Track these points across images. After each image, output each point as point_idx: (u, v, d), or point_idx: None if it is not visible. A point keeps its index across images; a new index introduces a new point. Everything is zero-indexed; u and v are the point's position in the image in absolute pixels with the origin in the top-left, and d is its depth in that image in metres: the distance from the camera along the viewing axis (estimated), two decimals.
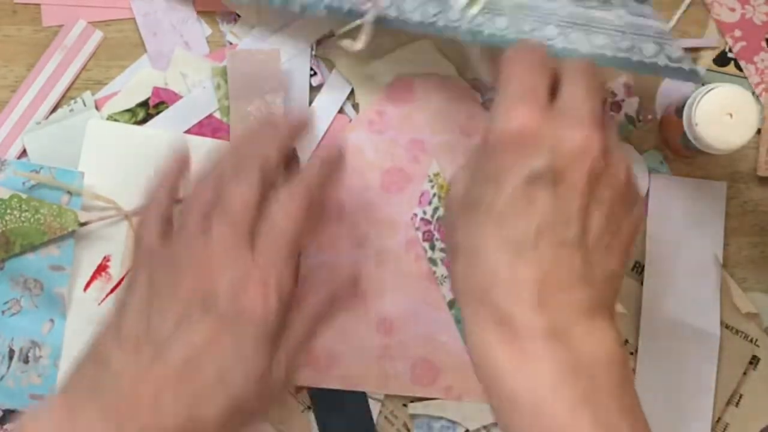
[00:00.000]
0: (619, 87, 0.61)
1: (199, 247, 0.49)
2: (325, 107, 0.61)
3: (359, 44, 0.57)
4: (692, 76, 0.55)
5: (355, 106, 0.62)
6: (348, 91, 0.62)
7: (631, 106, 0.61)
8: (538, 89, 0.47)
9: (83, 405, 0.46)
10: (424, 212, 0.61)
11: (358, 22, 0.57)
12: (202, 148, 0.61)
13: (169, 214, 0.52)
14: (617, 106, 0.61)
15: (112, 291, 0.61)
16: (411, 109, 0.61)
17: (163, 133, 0.61)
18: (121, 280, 0.61)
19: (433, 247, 0.61)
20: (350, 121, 0.62)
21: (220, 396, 0.47)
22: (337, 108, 0.61)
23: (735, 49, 0.61)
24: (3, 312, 0.61)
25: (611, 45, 0.55)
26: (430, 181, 0.61)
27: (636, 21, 0.55)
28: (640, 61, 0.55)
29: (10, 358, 0.61)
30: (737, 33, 0.61)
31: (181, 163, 0.53)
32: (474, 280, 0.46)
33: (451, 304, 0.61)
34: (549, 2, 0.55)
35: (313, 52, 0.62)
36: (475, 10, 0.54)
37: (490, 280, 0.45)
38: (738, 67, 0.62)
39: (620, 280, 0.48)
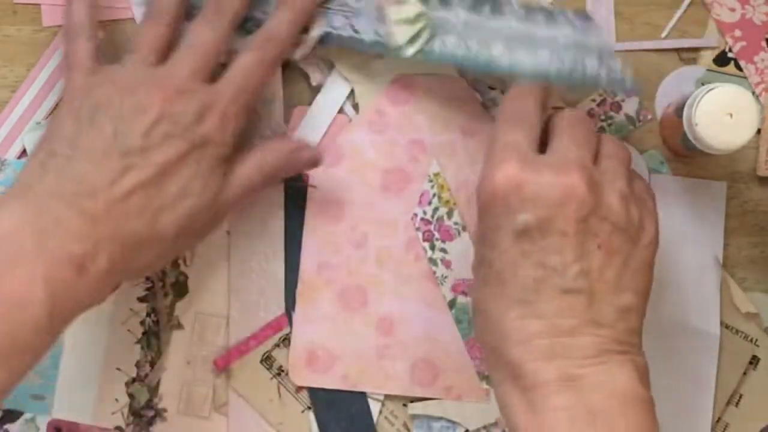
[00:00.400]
0: None
1: (162, 71, 0.54)
2: (325, 107, 0.61)
3: (297, 55, 0.59)
4: (631, 92, 0.58)
5: (355, 106, 0.62)
6: (348, 91, 0.61)
7: (631, 106, 0.61)
8: (520, 143, 0.48)
9: (50, 200, 0.49)
10: (424, 212, 0.61)
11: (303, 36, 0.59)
12: None
13: (96, 35, 0.56)
14: (617, 106, 0.61)
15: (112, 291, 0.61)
16: (411, 109, 0.61)
17: None
18: None
19: (433, 247, 0.61)
20: (350, 121, 0.61)
21: (180, 208, 0.52)
22: (337, 108, 0.61)
23: (735, 49, 0.61)
24: None
25: (556, 63, 0.55)
26: (430, 181, 0.61)
27: (580, 39, 0.56)
28: (582, 78, 0.55)
29: None
30: (737, 33, 0.61)
31: None
32: (490, 338, 0.48)
33: (451, 304, 0.61)
34: (495, 21, 0.56)
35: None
36: (411, 50, 0.57)
37: (502, 337, 0.47)
38: (738, 67, 0.62)
39: (636, 314, 0.47)
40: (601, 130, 0.61)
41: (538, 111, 0.51)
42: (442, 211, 0.61)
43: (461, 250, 0.60)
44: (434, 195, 0.61)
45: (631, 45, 0.61)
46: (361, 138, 0.61)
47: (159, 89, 0.52)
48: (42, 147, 0.52)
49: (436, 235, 0.61)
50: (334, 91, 0.61)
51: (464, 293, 0.61)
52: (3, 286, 0.46)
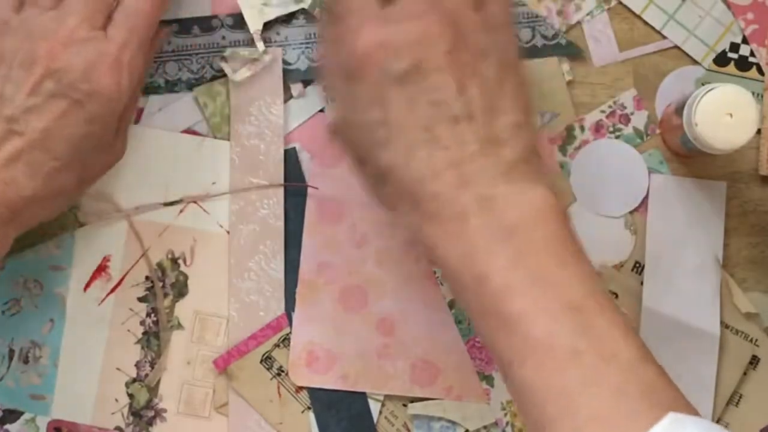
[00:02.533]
0: (628, 100, 0.61)
1: (52, 21, 0.52)
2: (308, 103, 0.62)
3: (237, 77, 0.60)
4: (570, 50, 0.61)
5: None
6: None
7: (639, 119, 0.61)
8: (366, 4, 0.49)
9: None
10: None
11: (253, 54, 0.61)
12: (198, 147, 0.61)
13: None
14: (626, 118, 0.61)
15: (112, 291, 0.61)
16: None
17: (162, 132, 0.61)
18: (121, 280, 0.61)
19: None
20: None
21: (76, 165, 0.53)
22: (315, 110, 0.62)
23: (747, 32, 0.61)
24: (3, 312, 0.61)
25: None
26: None
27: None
28: (520, 48, 0.56)
29: (10, 358, 0.61)
30: (750, 16, 0.61)
31: None
32: (403, 188, 0.48)
33: (452, 305, 0.61)
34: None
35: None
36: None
37: (416, 180, 0.47)
38: (738, 66, 0.62)
39: (528, 131, 0.49)
40: None
41: None
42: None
43: None
44: None
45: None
46: None
47: (45, 42, 0.51)
48: None
49: None
50: (314, 98, 0.62)
51: None
52: None
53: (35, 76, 0.51)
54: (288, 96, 0.61)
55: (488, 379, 0.60)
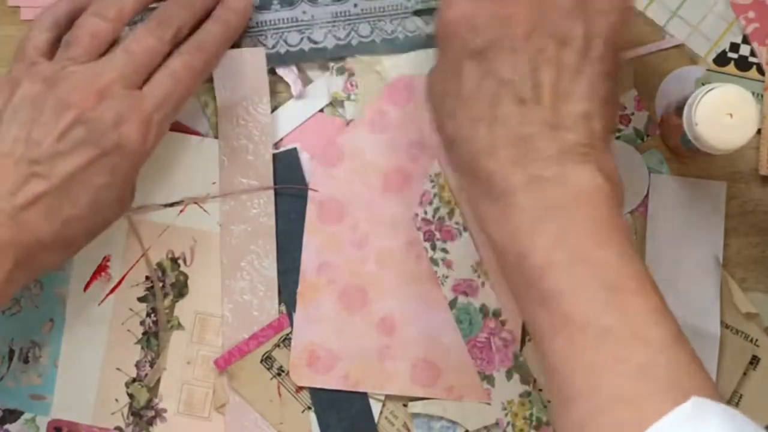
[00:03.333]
0: (629, 100, 0.61)
1: (90, 70, 0.53)
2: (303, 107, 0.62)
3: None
4: None
5: (335, 102, 0.61)
6: (326, 102, 0.62)
7: (640, 120, 0.61)
8: None
9: None
10: (425, 212, 0.61)
11: None
12: (198, 147, 0.61)
13: (61, 30, 0.55)
14: (626, 119, 0.62)
15: (112, 291, 0.61)
16: (411, 109, 0.61)
17: None
18: (121, 280, 0.61)
19: (434, 247, 0.61)
20: (347, 123, 0.61)
21: (92, 218, 0.53)
22: (316, 110, 0.62)
23: (748, 31, 0.61)
24: (3, 312, 0.61)
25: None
26: (431, 181, 0.61)
27: None
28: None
29: (10, 358, 0.61)
30: (750, 14, 0.61)
31: None
32: (464, 161, 0.50)
33: (452, 304, 0.61)
34: (338, 5, 0.61)
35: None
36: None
37: (475, 153, 0.49)
38: (738, 66, 0.62)
39: (598, 119, 0.49)
40: None
41: None
42: (443, 211, 0.61)
43: (462, 250, 0.60)
44: (435, 195, 0.61)
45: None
46: (361, 138, 0.61)
47: (80, 90, 0.52)
48: None
49: (437, 235, 0.61)
50: (313, 99, 0.62)
51: (465, 293, 0.61)
52: None
53: (66, 121, 0.51)
54: (288, 96, 0.62)
55: (489, 379, 0.60)
